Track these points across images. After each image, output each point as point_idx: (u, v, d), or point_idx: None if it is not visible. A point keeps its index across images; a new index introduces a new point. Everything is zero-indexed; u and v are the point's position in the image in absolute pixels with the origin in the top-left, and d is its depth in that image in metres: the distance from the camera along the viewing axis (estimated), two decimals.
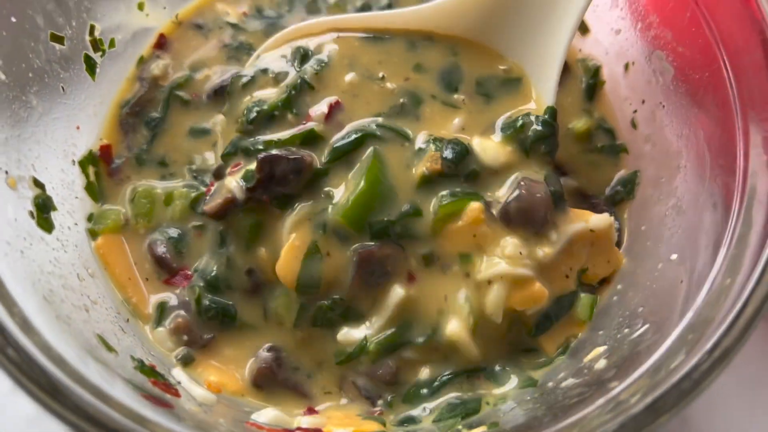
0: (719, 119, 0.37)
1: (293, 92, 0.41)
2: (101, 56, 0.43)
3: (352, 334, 0.40)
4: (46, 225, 0.37)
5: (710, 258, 0.34)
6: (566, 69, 0.47)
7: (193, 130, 0.44)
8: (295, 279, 0.38)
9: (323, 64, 0.42)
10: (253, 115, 0.41)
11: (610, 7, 0.45)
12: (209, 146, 0.44)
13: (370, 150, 0.39)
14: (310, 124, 0.40)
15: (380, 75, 0.42)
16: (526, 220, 0.39)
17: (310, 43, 0.44)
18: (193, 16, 0.47)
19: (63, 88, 0.41)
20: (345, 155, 0.39)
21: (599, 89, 0.46)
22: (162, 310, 0.40)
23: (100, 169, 0.43)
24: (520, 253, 0.38)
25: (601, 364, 0.34)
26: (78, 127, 0.42)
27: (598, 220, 0.40)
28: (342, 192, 0.39)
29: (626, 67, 0.45)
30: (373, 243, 0.38)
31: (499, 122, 0.41)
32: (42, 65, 0.39)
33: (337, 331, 0.39)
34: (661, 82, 0.42)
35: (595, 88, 0.46)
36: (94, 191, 0.42)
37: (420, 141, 0.40)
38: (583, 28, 0.47)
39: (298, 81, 0.41)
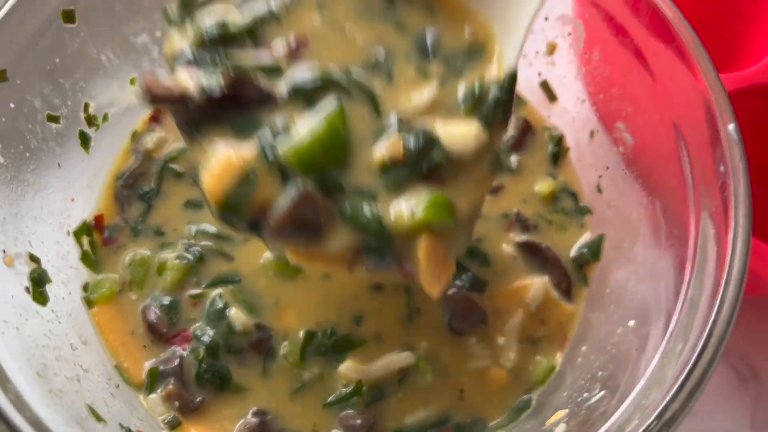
0: (674, 190, 0.40)
1: (258, 21, 0.37)
2: (95, 130, 0.46)
3: (354, 368, 0.42)
4: (42, 298, 0.39)
5: (664, 324, 0.36)
6: (532, 132, 0.50)
7: (189, 203, 0.47)
8: (224, 195, 0.34)
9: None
10: (214, 33, 0.36)
11: (575, 78, 0.48)
12: (204, 217, 0.46)
13: (336, 102, 0.35)
14: (273, 58, 0.36)
15: (352, 24, 0.37)
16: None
17: None
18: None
19: (59, 163, 0.43)
20: (305, 96, 0.35)
21: (563, 155, 0.49)
22: (154, 375, 0.42)
23: (95, 239, 0.45)
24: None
25: (561, 428, 0.36)
26: (73, 199, 0.44)
27: (534, 294, 0.43)
28: (298, 134, 0.34)
29: (591, 134, 0.48)
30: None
31: (460, 94, 0.36)
32: (39, 144, 0.42)
33: (341, 363, 0.42)
34: (623, 150, 0.45)
35: (559, 155, 0.49)
36: (90, 260, 0.44)
37: (387, 118, 0.35)
38: (551, 96, 0.50)
39: (265, 10, 0.37)
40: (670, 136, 0.40)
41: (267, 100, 0.35)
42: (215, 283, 0.44)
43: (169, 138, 0.49)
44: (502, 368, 0.43)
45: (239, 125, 0.34)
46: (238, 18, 0.37)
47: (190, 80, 0.35)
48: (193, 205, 0.46)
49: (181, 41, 0.36)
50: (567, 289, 0.45)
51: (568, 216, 0.48)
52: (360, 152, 0.34)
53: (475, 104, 0.36)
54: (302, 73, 0.35)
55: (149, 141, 0.48)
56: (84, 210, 0.45)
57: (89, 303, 0.43)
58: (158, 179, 0.47)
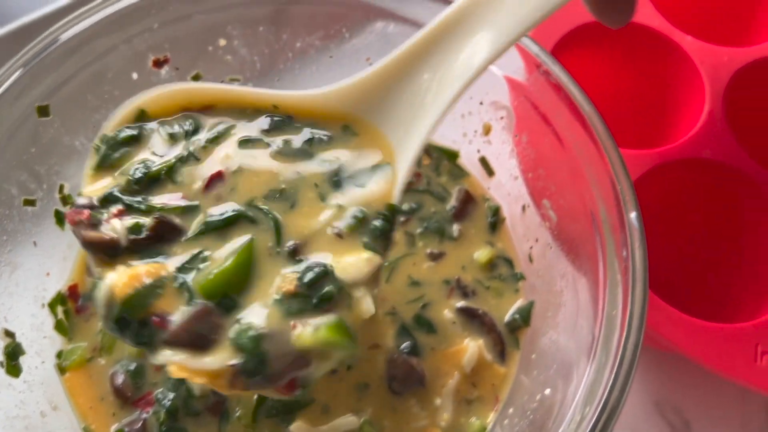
0: (589, 267, 0.44)
1: (178, 163, 0.42)
2: (70, 207, 0.50)
3: (304, 428, 0.46)
4: (15, 371, 0.43)
5: (573, 391, 0.40)
6: (473, 202, 0.55)
7: None
8: (127, 295, 0.38)
9: (215, 138, 0.43)
10: (139, 175, 0.41)
11: (509, 157, 0.52)
12: None
13: (246, 238, 0.39)
14: (192, 201, 0.41)
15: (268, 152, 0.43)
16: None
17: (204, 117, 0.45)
18: None
19: (35, 242, 0.48)
20: (216, 231, 0.40)
21: (500, 225, 0.54)
22: None
23: (69, 307, 0.50)
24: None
25: None
26: (48, 274, 0.49)
27: (469, 357, 0.48)
28: (207, 264, 0.39)
29: (523, 208, 0.52)
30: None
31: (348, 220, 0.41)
32: (15, 227, 0.46)
33: (291, 423, 0.46)
34: (549, 225, 0.49)
35: (496, 224, 0.54)
36: (63, 328, 0.49)
37: (286, 245, 0.40)
38: (489, 171, 0.54)
39: (185, 153, 0.42)
40: (586, 217, 0.44)
41: (182, 234, 0.40)
42: None
43: None
44: (438, 429, 0.47)
45: (152, 254, 0.39)
46: (158, 161, 0.42)
47: (118, 225, 0.39)
48: None
49: (106, 186, 0.41)
50: (501, 352, 0.49)
51: (504, 282, 0.52)
52: (260, 282, 0.39)
53: (360, 230, 0.40)
54: (214, 210, 0.40)
55: None
56: (59, 281, 0.50)
57: (62, 370, 0.47)
58: None
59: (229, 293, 0.38)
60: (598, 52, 0.60)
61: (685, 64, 0.57)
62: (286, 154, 0.43)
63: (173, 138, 0.43)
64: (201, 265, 0.39)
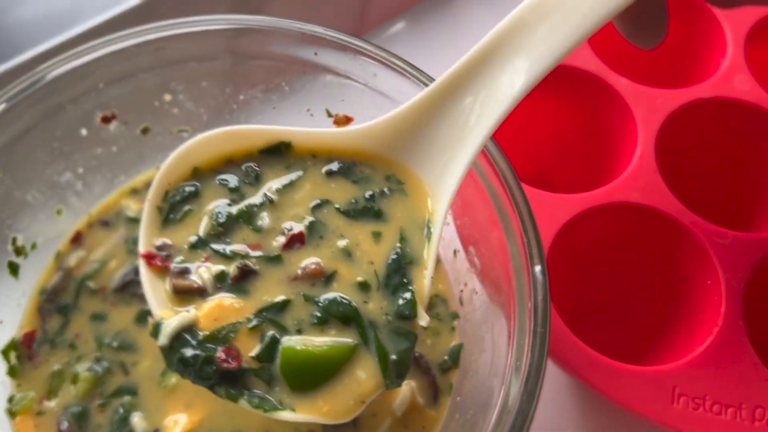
0: (506, 316, 0.46)
1: (254, 208, 0.45)
2: (24, 258, 0.53)
3: None
4: None
5: None
6: None
7: (96, 316, 0.54)
8: (214, 327, 0.41)
9: (289, 183, 0.46)
10: (223, 219, 0.44)
11: None
12: (112, 332, 0.53)
13: (351, 341, 0.41)
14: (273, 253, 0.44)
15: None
16: None
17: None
18: (102, 213, 0.57)
19: None
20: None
21: (438, 265, 0.56)
22: None
23: (22, 352, 0.52)
24: None
25: None
26: (1, 321, 0.52)
27: (401, 401, 0.49)
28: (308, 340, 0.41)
29: (454, 252, 0.54)
30: None
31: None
32: None
33: None
34: (475, 271, 0.51)
35: (435, 264, 0.55)
36: (15, 373, 0.51)
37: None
38: None
39: (262, 200, 0.45)
40: (502, 266, 0.46)
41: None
42: (114, 395, 0.51)
43: (87, 256, 0.56)
44: None
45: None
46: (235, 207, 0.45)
47: (205, 275, 0.42)
48: (100, 318, 0.53)
49: (193, 234, 0.44)
50: (434, 395, 0.51)
51: (441, 321, 0.54)
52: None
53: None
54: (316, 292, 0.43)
55: (71, 259, 0.55)
56: (12, 328, 0.52)
57: (12, 414, 0.50)
58: (75, 295, 0.54)
59: (302, 380, 0.40)
60: (536, 93, 0.62)
61: (619, 106, 0.59)
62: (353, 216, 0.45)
63: (234, 190, 0.46)
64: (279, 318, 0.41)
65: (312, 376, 0.40)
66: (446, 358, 0.52)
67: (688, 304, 0.54)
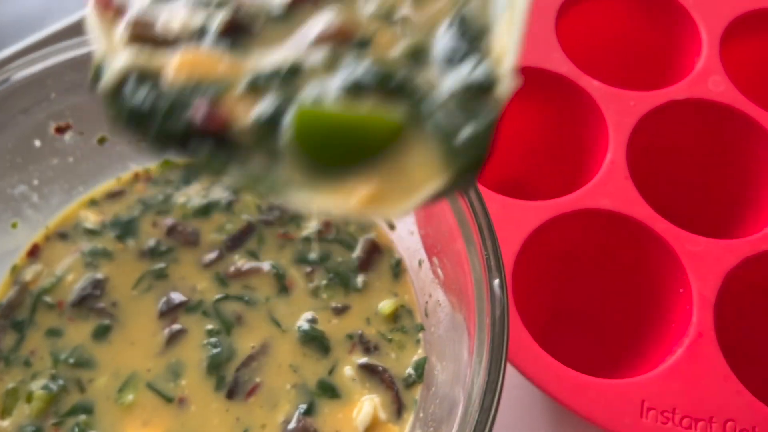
0: (467, 329, 0.45)
1: None
2: None
3: None
4: None
5: None
6: (379, 252, 0.55)
7: (51, 332, 0.52)
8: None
9: None
10: None
11: None
12: (69, 348, 0.52)
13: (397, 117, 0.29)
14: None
15: None
16: None
17: None
18: (60, 225, 0.56)
19: None
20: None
21: (403, 275, 0.54)
22: None
23: None
24: None
25: None
26: None
27: (363, 417, 0.48)
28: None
29: (419, 263, 0.53)
30: None
31: None
32: None
33: None
34: (438, 283, 0.50)
35: (399, 274, 0.54)
36: None
37: None
38: (390, 224, 0.55)
39: None
40: (464, 278, 0.45)
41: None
42: (69, 414, 0.49)
43: (45, 270, 0.54)
44: None
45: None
46: None
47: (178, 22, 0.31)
48: (56, 333, 0.52)
49: None
50: (398, 410, 0.50)
51: (406, 334, 0.53)
52: None
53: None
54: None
55: (28, 273, 0.54)
56: None
57: None
58: (31, 310, 0.53)
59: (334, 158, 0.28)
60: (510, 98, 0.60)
61: (591, 109, 0.58)
62: None
63: None
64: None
65: (344, 150, 0.28)
66: (410, 371, 0.51)
67: (660, 313, 0.53)
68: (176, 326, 0.53)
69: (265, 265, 0.55)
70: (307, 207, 0.29)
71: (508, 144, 0.60)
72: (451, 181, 0.29)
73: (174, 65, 0.29)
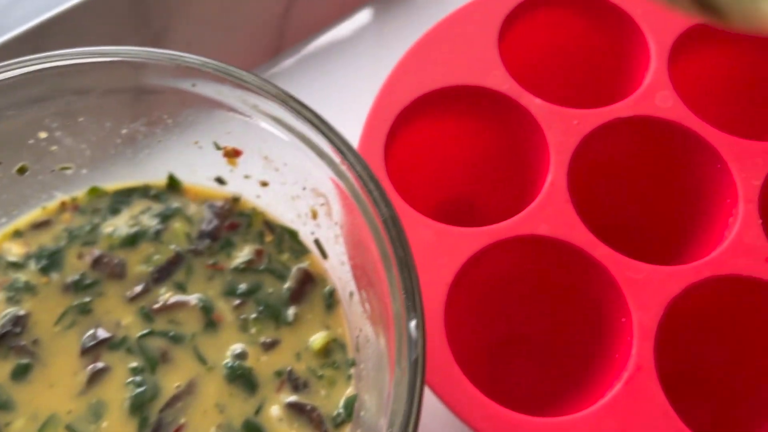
0: (389, 369, 0.43)
1: None
2: None
3: None
4: None
5: None
6: (312, 282, 0.53)
7: None
8: None
9: None
10: None
11: (334, 242, 0.51)
12: None
13: None
14: None
15: None
16: None
17: None
18: None
19: None
20: None
21: (336, 306, 0.52)
22: None
23: None
24: None
25: None
26: None
27: None
28: None
29: (350, 295, 0.50)
30: None
31: None
32: None
33: None
34: (366, 317, 0.48)
35: (332, 305, 0.52)
36: None
37: None
38: (323, 253, 0.53)
39: None
40: (386, 316, 0.43)
41: None
42: None
43: None
44: None
45: None
46: None
47: None
48: None
49: None
50: None
51: (337, 370, 0.50)
52: None
53: None
54: None
55: None
56: None
57: None
58: None
59: None
60: (450, 115, 0.58)
61: (533, 129, 0.55)
62: None
63: None
64: None
65: None
66: (340, 410, 0.49)
67: (603, 344, 0.51)
68: (99, 364, 0.50)
69: (192, 299, 0.53)
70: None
71: (451, 164, 0.58)
72: None
73: None
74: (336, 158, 0.45)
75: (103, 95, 0.51)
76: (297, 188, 0.51)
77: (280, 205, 0.54)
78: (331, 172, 0.46)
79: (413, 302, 0.40)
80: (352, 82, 0.71)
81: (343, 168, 0.45)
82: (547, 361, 0.54)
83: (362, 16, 0.77)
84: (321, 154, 0.46)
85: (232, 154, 0.53)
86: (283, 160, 0.51)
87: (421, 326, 0.40)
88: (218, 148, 0.53)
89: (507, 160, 0.58)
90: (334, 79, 0.74)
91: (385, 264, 0.43)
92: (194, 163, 0.55)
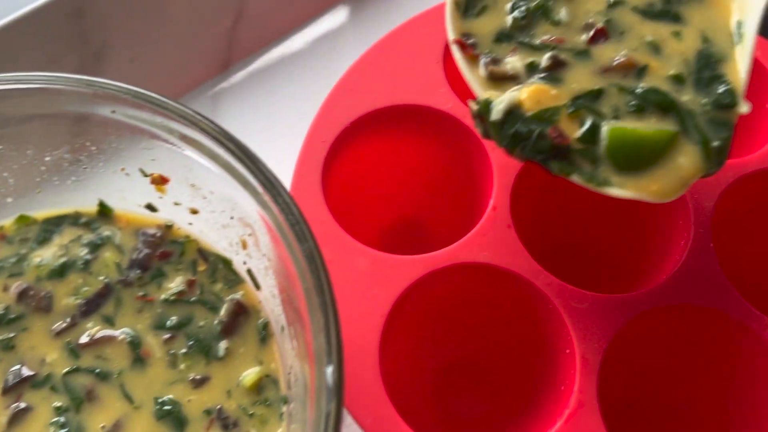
0: (309, 413, 0.40)
1: (550, 2, 0.47)
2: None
3: None
4: None
5: None
6: (246, 314, 0.51)
7: None
8: (538, 107, 0.44)
9: None
10: (522, 13, 0.46)
11: (265, 274, 0.49)
12: None
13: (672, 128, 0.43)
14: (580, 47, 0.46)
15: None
16: None
17: None
18: None
19: None
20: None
21: (270, 340, 0.50)
22: None
23: None
24: None
25: None
26: None
27: None
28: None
29: (282, 329, 0.48)
30: None
31: None
32: None
33: None
34: (295, 353, 0.45)
35: (266, 339, 0.50)
36: None
37: None
38: (256, 284, 0.51)
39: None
40: (310, 356, 0.41)
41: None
42: None
43: None
44: None
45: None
46: None
47: (518, 64, 0.45)
48: None
49: (495, 27, 0.47)
50: None
51: (269, 407, 0.48)
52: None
53: None
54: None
55: None
56: None
57: None
58: None
59: (633, 163, 0.41)
60: (398, 134, 0.56)
61: (478, 150, 0.53)
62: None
63: None
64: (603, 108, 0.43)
65: (639, 157, 0.42)
66: None
67: (548, 377, 0.49)
68: (21, 404, 0.48)
69: (119, 333, 0.50)
70: (620, 196, 0.42)
71: (397, 187, 0.56)
72: (704, 173, 0.42)
73: (526, 97, 0.43)
74: (259, 189, 0.43)
75: (21, 122, 0.48)
76: (225, 217, 0.49)
77: (212, 233, 0.52)
78: (256, 203, 0.44)
79: (331, 346, 0.38)
80: (303, 96, 0.69)
81: (266, 199, 0.43)
82: (494, 393, 0.52)
83: (314, 30, 0.75)
84: (245, 184, 0.44)
85: (160, 182, 0.50)
86: (209, 189, 0.48)
87: (338, 372, 0.37)
88: (145, 175, 0.51)
89: (454, 181, 0.56)
90: (284, 93, 0.72)
91: (308, 301, 0.40)
92: (123, 190, 0.52)
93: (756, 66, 0.54)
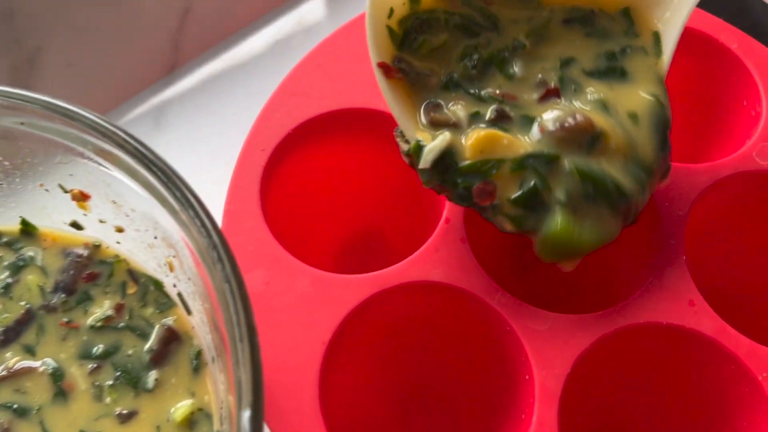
0: None
1: (505, 54, 0.44)
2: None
3: None
4: None
5: None
6: (178, 341, 0.46)
7: None
8: (479, 156, 0.41)
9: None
10: (474, 62, 0.43)
11: (193, 297, 0.44)
12: None
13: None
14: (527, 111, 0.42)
15: None
16: None
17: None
18: None
19: None
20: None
21: (203, 369, 0.46)
22: None
23: None
24: None
25: None
26: None
27: None
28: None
29: (213, 359, 0.44)
30: None
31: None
32: None
33: None
34: (224, 387, 0.41)
35: (199, 368, 0.46)
36: None
37: None
38: (187, 309, 0.46)
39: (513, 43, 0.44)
40: (233, 394, 0.36)
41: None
42: None
43: None
44: None
45: None
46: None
47: (461, 114, 0.42)
48: None
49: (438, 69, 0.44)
50: None
51: None
52: None
53: None
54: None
55: None
56: None
57: None
58: None
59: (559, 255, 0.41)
60: (341, 145, 0.52)
61: None
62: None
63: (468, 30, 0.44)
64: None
65: (569, 254, 0.41)
66: None
67: (508, 403, 0.45)
68: None
69: (40, 364, 0.46)
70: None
71: (348, 197, 0.52)
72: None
73: (471, 143, 0.40)
74: (177, 207, 0.39)
75: None
76: (150, 236, 0.45)
77: (141, 252, 0.48)
78: (176, 223, 0.40)
79: (251, 389, 0.34)
80: (257, 102, 0.64)
81: (185, 219, 0.38)
82: (451, 422, 0.48)
83: (268, 28, 0.71)
84: (164, 202, 0.40)
85: (81, 198, 0.46)
86: (130, 206, 0.44)
87: (256, 419, 0.33)
88: (65, 191, 0.46)
89: (407, 191, 0.52)
90: (236, 97, 0.68)
91: (229, 333, 0.36)
92: (46, 207, 0.48)
93: (732, 62, 0.50)
